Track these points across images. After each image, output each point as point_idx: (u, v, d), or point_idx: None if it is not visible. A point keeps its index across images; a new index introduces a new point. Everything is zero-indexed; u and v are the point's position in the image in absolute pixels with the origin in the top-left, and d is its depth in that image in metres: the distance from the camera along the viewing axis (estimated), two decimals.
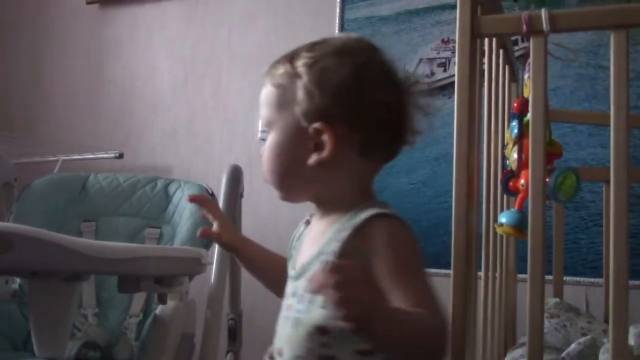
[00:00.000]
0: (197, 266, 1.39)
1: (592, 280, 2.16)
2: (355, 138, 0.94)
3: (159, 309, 1.67)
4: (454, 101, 2.39)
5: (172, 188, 2.02)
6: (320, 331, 0.91)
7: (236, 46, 2.86)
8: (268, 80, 1.02)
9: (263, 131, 1.08)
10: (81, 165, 2.77)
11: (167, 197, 2.01)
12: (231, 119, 2.81)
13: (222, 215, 1.19)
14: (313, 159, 0.94)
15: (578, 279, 2.18)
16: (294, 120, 0.96)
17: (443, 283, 2.27)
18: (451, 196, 2.32)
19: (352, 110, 0.93)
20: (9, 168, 2.24)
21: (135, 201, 2.03)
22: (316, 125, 0.93)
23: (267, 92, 1.02)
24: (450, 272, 2.31)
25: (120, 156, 2.78)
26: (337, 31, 2.63)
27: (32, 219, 1.96)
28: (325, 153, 0.93)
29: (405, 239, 0.94)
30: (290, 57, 0.99)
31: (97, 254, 1.16)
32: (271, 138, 1.00)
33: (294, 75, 0.97)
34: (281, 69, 0.99)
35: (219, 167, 2.70)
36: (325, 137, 0.93)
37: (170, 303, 1.65)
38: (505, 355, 1.70)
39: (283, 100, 0.97)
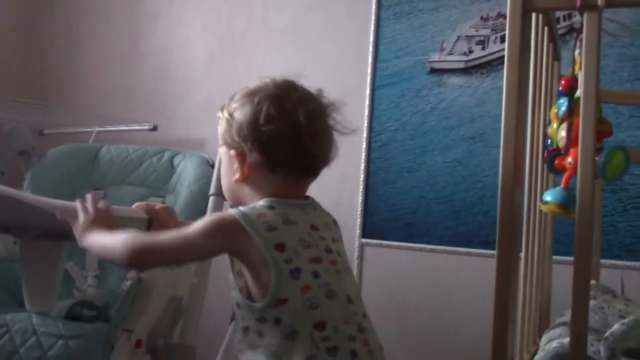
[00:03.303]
0: (142, 226, 1.42)
1: (629, 263, 2.13)
2: (260, 160, 1.16)
3: (145, 272, 1.73)
4: (491, 79, 2.38)
5: (177, 159, 2.12)
6: (237, 306, 1.13)
7: (271, 20, 2.84)
8: None
9: None
10: (115, 137, 2.78)
11: (171, 168, 2.11)
12: None
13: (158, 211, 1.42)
14: (234, 177, 1.19)
15: (614, 262, 2.15)
16: (224, 150, 1.23)
17: (475, 262, 2.28)
18: (486, 175, 2.33)
19: (250, 138, 1.16)
20: (26, 137, 2.33)
21: (143, 171, 2.14)
22: (231, 152, 1.19)
23: None
24: (483, 251, 2.31)
25: (154, 129, 2.79)
26: (373, 7, 2.60)
27: (44, 185, 2.05)
28: (238, 174, 1.18)
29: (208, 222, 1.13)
30: (224, 103, 1.25)
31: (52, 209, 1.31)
32: (222, 164, 1.27)
33: (221, 117, 1.23)
34: (219, 112, 1.25)
35: None
36: (237, 162, 1.18)
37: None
38: (540, 336, 1.69)
39: (220, 135, 1.24)
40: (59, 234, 1.48)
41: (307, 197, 1.24)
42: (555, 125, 1.43)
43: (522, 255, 1.53)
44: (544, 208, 1.31)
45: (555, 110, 1.44)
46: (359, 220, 2.54)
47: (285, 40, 2.79)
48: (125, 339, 1.57)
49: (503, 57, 2.32)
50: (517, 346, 1.47)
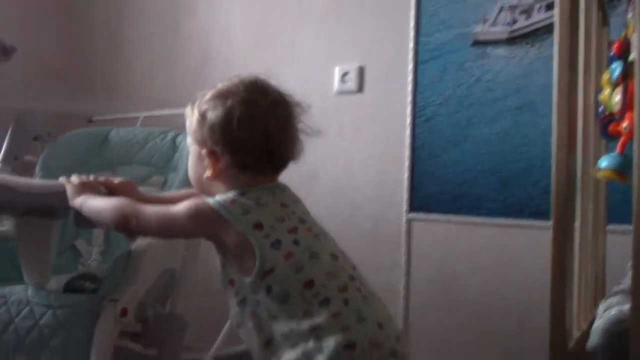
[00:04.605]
0: None
1: None
2: (229, 160, 1.21)
3: (134, 245, 1.81)
4: (537, 49, 2.35)
5: (179, 138, 2.19)
6: (231, 284, 1.19)
7: (308, 1, 2.83)
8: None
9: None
10: (161, 121, 2.82)
11: (174, 147, 2.18)
12: (305, 74, 2.80)
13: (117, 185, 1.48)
14: (206, 174, 1.25)
15: None
16: (194, 145, 1.28)
17: (526, 233, 2.27)
18: (534, 146, 2.30)
19: (222, 142, 1.21)
20: (40, 122, 2.41)
21: (147, 151, 2.22)
22: (202, 151, 1.24)
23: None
24: (534, 222, 2.29)
25: None
26: None
27: (55, 169, 2.13)
28: (209, 171, 1.24)
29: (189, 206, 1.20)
30: (194, 99, 1.29)
31: (25, 189, 1.49)
32: (189, 156, 1.33)
33: (192, 114, 1.27)
34: (189, 107, 1.29)
35: None
36: (208, 160, 1.23)
37: (146, 240, 1.81)
38: (595, 305, 1.68)
39: (189, 130, 1.29)
40: (40, 212, 1.62)
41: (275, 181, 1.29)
42: (607, 91, 1.42)
43: (577, 224, 1.52)
44: (600, 174, 1.30)
45: (607, 76, 1.42)
46: (405, 196, 2.54)
47: (325, 19, 2.78)
48: (111, 308, 1.66)
49: (548, 25, 2.32)
50: (574, 316, 1.47)
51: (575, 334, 1.41)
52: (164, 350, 1.83)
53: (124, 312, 1.68)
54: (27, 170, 2.29)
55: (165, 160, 2.18)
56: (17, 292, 1.69)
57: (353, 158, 2.66)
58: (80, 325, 1.62)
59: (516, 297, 2.32)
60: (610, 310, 1.34)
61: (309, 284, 1.12)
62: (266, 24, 2.93)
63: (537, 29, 2.35)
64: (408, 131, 2.55)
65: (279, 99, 1.26)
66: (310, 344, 1.09)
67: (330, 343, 1.08)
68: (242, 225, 1.15)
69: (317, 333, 1.09)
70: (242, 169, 1.22)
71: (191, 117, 1.27)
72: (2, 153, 2.32)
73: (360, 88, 2.68)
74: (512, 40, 2.39)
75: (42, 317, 1.63)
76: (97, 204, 1.33)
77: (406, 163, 2.55)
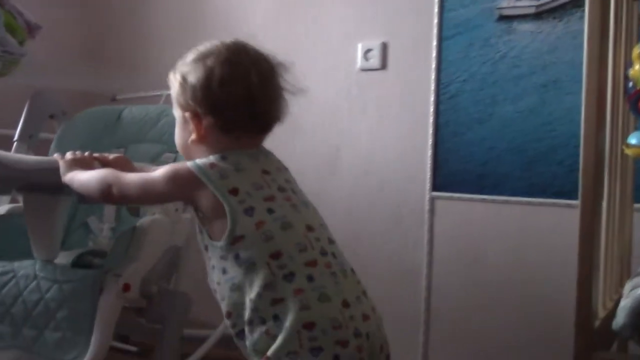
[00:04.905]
0: None
1: None
2: (214, 122, 1.22)
3: (139, 222, 1.87)
4: (564, 24, 2.30)
5: None
6: (206, 249, 1.21)
7: None
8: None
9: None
10: None
11: None
12: (328, 52, 2.78)
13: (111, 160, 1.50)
14: (190, 138, 1.25)
15: None
16: (178, 111, 1.28)
17: (549, 212, 2.24)
18: (560, 124, 2.27)
19: (205, 103, 1.21)
20: (54, 102, 2.44)
21: (160, 128, 2.24)
22: (186, 114, 1.25)
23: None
24: (558, 201, 2.26)
25: None
26: None
27: (70, 148, 2.15)
28: (193, 135, 1.24)
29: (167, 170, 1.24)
30: (175, 65, 1.30)
31: (17, 165, 1.54)
32: (176, 123, 1.33)
33: (174, 80, 1.28)
34: (170, 75, 1.30)
35: (317, 100, 2.70)
36: (192, 123, 1.24)
37: (151, 217, 1.88)
38: (622, 285, 1.66)
39: (173, 97, 1.30)
40: (36, 187, 1.69)
41: (260, 146, 1.29)
42: (637, 66, 1.39)
43: (604, 202, 1.49)
44: (629, 151, 1.27)
45: (638, 51, 1.39)
46: (428, 174, 2.52)
47: None
48: (113, 283, 1.72)
49: (576, 0, 2.25)
50: (600, 294, 1.45)
51: (601, 313, 1.39)
52: (166, 326, 1.87)
53: (126, 287, 1.73)
54: (43, 148, 2.31)
55: None
56: (26, 266, 1.75)
57: (376, 136, 2.64)
58: (84, 299, 1.67)
59: (540, 275, 2.30)
60: (637, 289, 1.32)
61: (276, 254, 1.13)
62: (287, 0, 2.90)
63: (565, 4, 2.30)
64: (432, 108, 2.52)
65: (261, 58, 1.26)
66: (272, 321, 1.10)
67: (288, 322, 1.08)
68: (218, 190, 1.16)
69: (278, 309, 1.10)
70: (226, 130, 1.23)
71: (174, 82, 1.28)
72: (18, 131, 2.33)
73: (383, 65, 2.65)
74: (539, 15, 2.34)
75: (48, 291, 1.69)
76: (84, 177, 1.37)
77: (430, 141, 2.52)
